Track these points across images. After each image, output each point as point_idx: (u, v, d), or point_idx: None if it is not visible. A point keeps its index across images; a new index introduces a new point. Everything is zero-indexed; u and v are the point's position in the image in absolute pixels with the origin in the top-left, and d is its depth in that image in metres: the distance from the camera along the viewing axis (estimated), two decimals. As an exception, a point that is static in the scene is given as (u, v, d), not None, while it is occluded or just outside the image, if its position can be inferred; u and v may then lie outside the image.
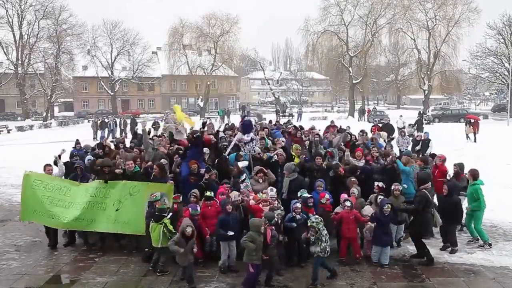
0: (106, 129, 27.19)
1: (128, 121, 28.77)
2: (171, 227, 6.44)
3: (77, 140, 11.67)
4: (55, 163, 8.71)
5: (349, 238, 6.96)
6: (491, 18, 43.07)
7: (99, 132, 26.94)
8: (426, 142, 13.33)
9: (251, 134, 9.42)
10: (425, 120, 36.47)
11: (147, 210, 6.98)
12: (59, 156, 8.82)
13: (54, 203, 7.58)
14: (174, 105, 12.05)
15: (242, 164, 8.07)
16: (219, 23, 51.70)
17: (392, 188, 7.38)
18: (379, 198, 7.26)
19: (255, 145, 9.25)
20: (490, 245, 7.68)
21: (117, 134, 26.61)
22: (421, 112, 38.42)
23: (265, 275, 6.21)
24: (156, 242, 6.50)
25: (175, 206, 6.91)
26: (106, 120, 28.69)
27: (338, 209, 7.22)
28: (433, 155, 9.51)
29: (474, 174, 7.77)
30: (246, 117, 10.96)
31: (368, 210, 7.21)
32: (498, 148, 19.59)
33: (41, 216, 7.67)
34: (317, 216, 6.35)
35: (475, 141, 22.50)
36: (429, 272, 6.72)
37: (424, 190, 7.19)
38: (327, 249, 6.20)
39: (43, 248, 7.82)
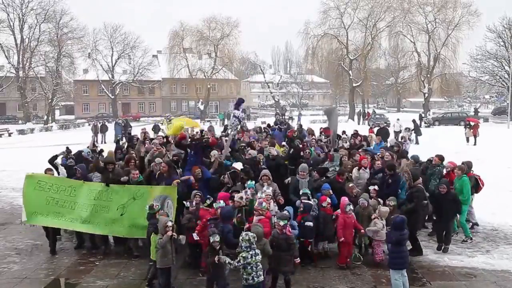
0: (107, 132, 27.29)
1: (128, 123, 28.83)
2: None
3: (68, 148, 10.12)
4: (55, 165, 8.70)
5: (346, 243, 6.90)
6: (491, 21, 43.41)
7: (99, 135, 27.05)
8: (404, 155, 9.96)
9: (239, 112, 9.71)
10: (424, 123, 36.55)
11: (149, 222, 6.70)
12: (55, 156, 8.92)
13: (60, 204, 7.55)
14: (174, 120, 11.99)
15: (237, 165, 7.97)
16: (219, 26, 51.99)
17: (387, 203, 7.29)
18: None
19: (238, 122, 9.60)
20: (471, 239, 8.09)
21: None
22: (421, 115, 38.51)
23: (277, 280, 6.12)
24: (154, 255, 6.06)
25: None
26: (107, 124, 28.77)
27: (339, 212, 7.22)
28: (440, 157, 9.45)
29: (462, 169, 8.22)
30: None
31: (384, 210, 7.06)
32: (499, 151, 19.59)
33: (45, 218, 7.60)
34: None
35: (475, 144, 22.53)
36: (430, 275, 6.72)
37: (419, 185, 7.48)
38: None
39: (44, 252, 7.82)
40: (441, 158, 9.05)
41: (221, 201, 6.57)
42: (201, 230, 6.35)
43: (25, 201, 7.74)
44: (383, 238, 6.92)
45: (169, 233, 5.76)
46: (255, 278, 5.20)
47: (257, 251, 5.26)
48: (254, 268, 5.19)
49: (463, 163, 8.60)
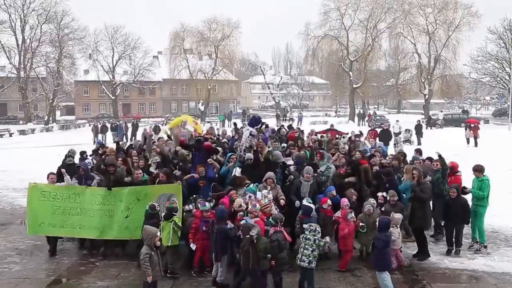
0: (107, 133, 27.38)
1: (129, 125, 28.96)
2: (180, 224, 6.47)
3: (71, 150, 9.85)
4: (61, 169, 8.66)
5: (348, 250, 6.90)
6: (492, 22, 42.86)
7: (99, 136, 27.11)
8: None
9: (253, 130, 9.56)
10: (428, 124, 36.50)
11: (149, 222, 6.51)
12: (61, 167, 8.80)
13: (67, 211, 7.53)
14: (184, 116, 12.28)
15: (237, 171, 7.82)
16: (220, 27, 52.05)
17: (388, 198, 7.33)
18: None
19: (251, 140, 9.38)
20: (485, 247, 7.75)
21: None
22: (430, 116, 38.53)
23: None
24: (166, 241, 6.31)
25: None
26: (107, 124, 28.83)
27: (338, 214, 7.22)
28: (430, 159, 9.30)
29: (480, 169, 7.75)
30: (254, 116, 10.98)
31: (398, 217, 6.94)
32: (500, 153, 19.55)
33: (52, 228, 7.54)
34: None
35: (475, 145, 22.53)
36: (431, 278, 6.71)
37: (427, 182, 7.52)
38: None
39: (45, 252, 7.83)
40: (430, 159, 8.84)
41: (207, 204, 6.58)
42: (193, 236, 6.50)
43: (31, 213, 7.65)
44: (399, 246, 6.97)
45: (158, 243, 5.54)
46: (299, 261, 5.97)
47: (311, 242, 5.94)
48: (302, 251, 5.97)
49: (474, 166, 7.93)
